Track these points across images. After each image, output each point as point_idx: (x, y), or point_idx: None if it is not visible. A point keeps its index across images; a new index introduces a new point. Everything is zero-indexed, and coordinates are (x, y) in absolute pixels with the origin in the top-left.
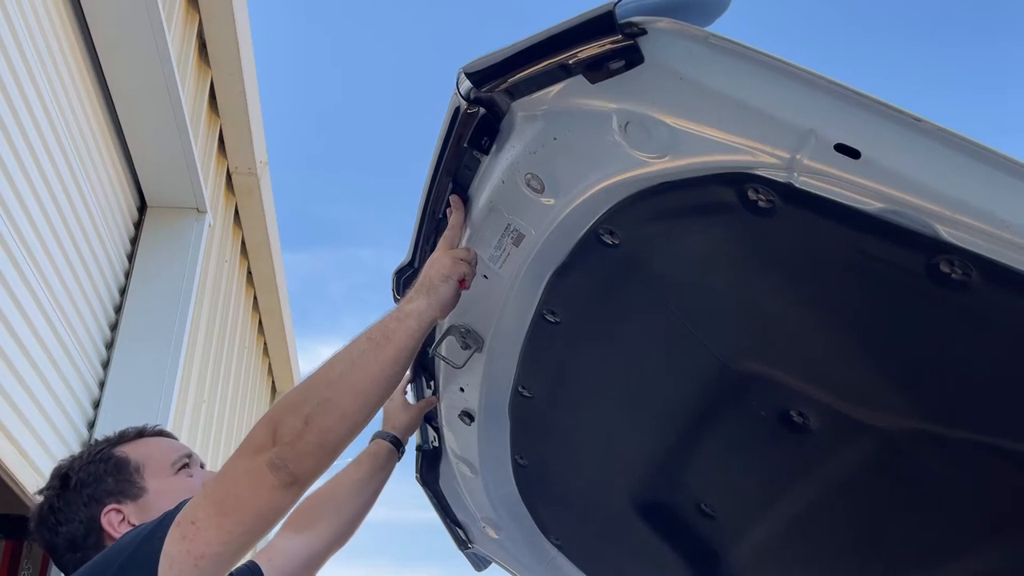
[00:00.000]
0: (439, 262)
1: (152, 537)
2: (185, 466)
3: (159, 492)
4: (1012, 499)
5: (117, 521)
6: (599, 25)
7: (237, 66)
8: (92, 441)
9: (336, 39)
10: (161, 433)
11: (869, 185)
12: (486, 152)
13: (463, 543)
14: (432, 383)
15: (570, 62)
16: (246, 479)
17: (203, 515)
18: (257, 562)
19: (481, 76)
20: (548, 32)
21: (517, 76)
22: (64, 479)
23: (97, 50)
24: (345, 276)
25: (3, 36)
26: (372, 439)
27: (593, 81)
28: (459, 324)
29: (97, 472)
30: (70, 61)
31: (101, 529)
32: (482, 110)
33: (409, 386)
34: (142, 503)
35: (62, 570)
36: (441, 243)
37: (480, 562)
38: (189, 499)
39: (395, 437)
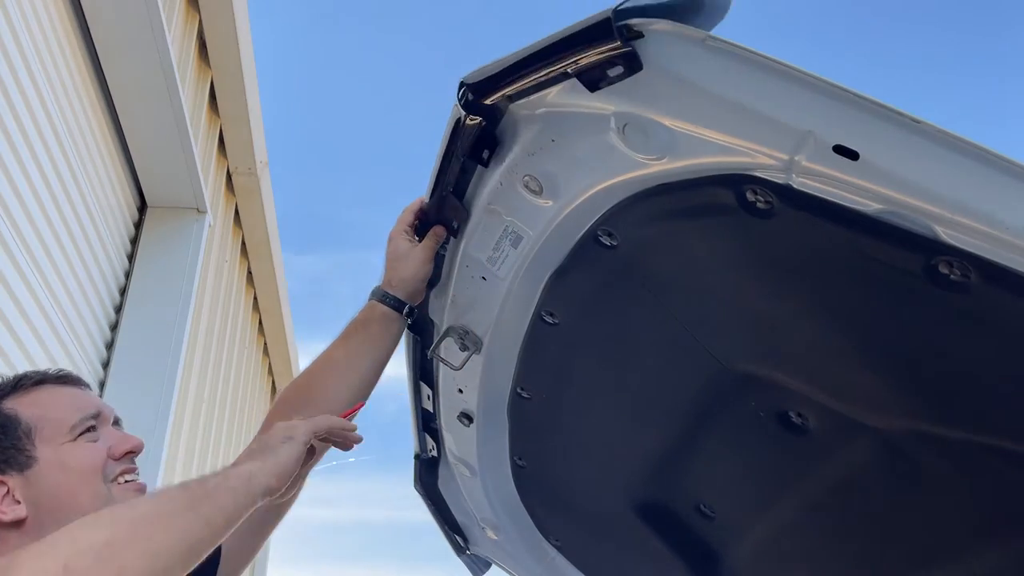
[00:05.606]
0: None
1: None
2: (89, 429)
3: (51, 463)
4: (1012, 499)
5: (0, 495)
6: (597, 32)
7: (237, 66)
8: None
9: (337, 38)
10: (66, 380)
11: (868, 186)
12: (486, 165)
13: (460, 549)
14: (432, 386)
15: (570, 70)
16: None
17: None
18: None
19: (481, 87)
20: (548, 40)
21: (517, 86)
22: None
23: (97, 50)
24: (351, 278)
25: (3, 36)
26: (369, 299)
27: (592, 89)
28: (457, 325)
29: None
30: (70, 61)
31: None
32: (483, 121)
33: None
34: (30, 475)
35: None
36: None
37: (478, 566)
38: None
39: (396, 299)
